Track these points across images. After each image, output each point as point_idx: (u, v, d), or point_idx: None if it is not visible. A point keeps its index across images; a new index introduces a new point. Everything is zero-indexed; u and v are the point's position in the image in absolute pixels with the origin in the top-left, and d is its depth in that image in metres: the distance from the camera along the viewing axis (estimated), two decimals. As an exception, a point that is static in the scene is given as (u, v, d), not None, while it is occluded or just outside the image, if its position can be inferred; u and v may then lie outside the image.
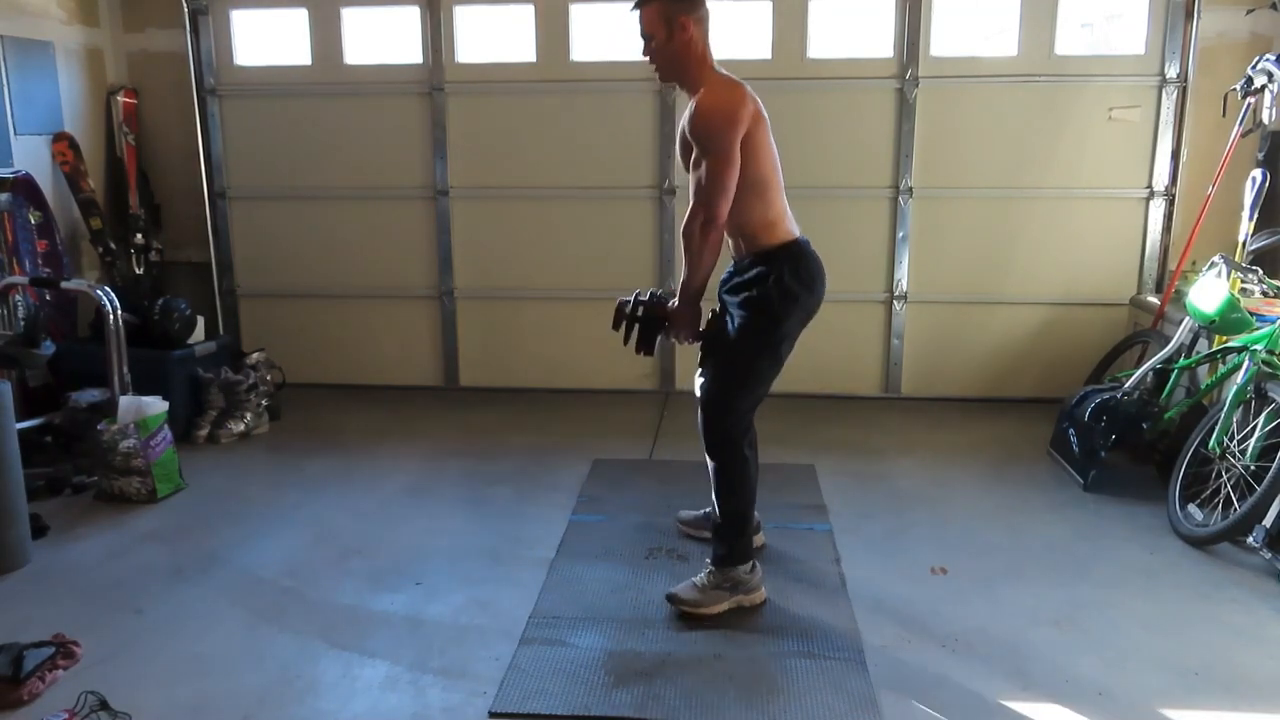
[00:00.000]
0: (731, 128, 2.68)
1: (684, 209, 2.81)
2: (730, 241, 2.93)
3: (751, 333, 2.84)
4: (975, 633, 2.84)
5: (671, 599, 2.93)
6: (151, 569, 3.27)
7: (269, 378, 4.86)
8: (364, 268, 5.40)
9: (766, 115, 2.81)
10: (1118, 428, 3.94)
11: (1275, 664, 2.68)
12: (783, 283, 2.80)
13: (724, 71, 2.83)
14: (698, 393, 2.99)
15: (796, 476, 4.06)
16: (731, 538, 2.96)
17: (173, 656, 2.72)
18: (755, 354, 2.87)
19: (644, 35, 2.81)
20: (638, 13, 2.80)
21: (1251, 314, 3.65)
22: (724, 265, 2.98)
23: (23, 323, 4.40)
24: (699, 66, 2.79)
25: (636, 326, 2.96)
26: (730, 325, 2.89)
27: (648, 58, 2.84)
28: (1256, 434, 3.39)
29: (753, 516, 3.04)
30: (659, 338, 2.99)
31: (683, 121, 2.82)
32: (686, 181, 2.86)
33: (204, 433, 4.57)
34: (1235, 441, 3.48)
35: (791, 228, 2.90)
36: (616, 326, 2.97)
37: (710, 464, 2.95)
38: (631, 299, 2.97)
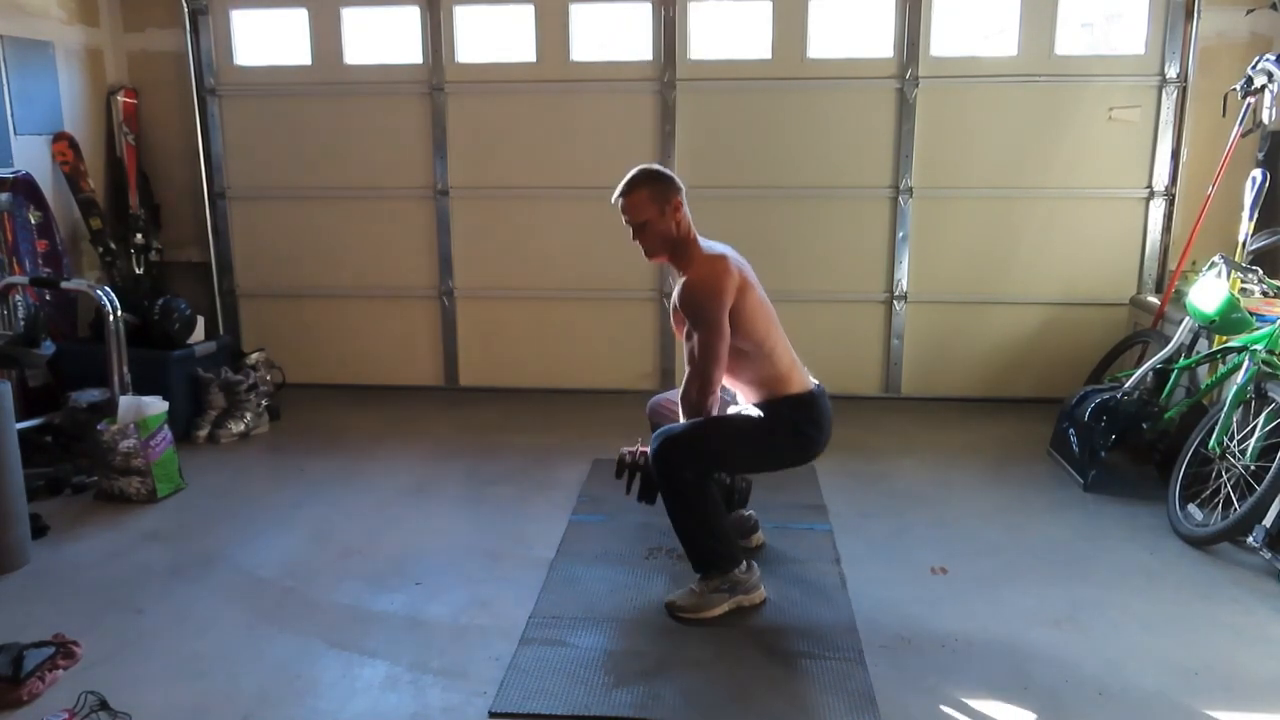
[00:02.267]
0: (718, 300, 2.81)
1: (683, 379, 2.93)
2: (742, 395, 3.07)
3: (751, 423, 2.95)
4: (975, 633, 2.84)
5: (671, 607, 2.93)
6: (151, 569, 3.27)
7: (269, 378, 4.87)
8: (364, 268, 5.40)
9: (754, 279, 2.95)
10: (1118, 428, 3.95)
11: (1275, 664, 2.68)
12: (798, 426, 2.96)
13: (707, 244, 2.96)
14: (680, 415, 2.99)
15: (796, 476, 4.04)
16: (703, 553, 2.94)
17: (172, 656, 2.72)
18: (747, 439, 2.95)
19: (634, 223, 2.91)
20: (623, 201, 2.90)
21: (1251, 314, 3.65)
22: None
23: (23, 323, 4.40)
24: (686, 243, 2.93)
25: (639, 476, 3.01)
26: (741, 410, 3.01)
27: (638, 240, 2.94)
28: (1256, 434, 3.39)
29: (721, 522, 2.97)
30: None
31: (673, 295, 2.95)
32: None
33: (204, 433, 4.57)
34: (1235, 441, 3.48)
35: (805, 379, 3.01)
36: (619, 476, 3.04)
37: (660, 484, 2.92)
38: (635, 449, 3.03)
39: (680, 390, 2.94)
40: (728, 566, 2.93)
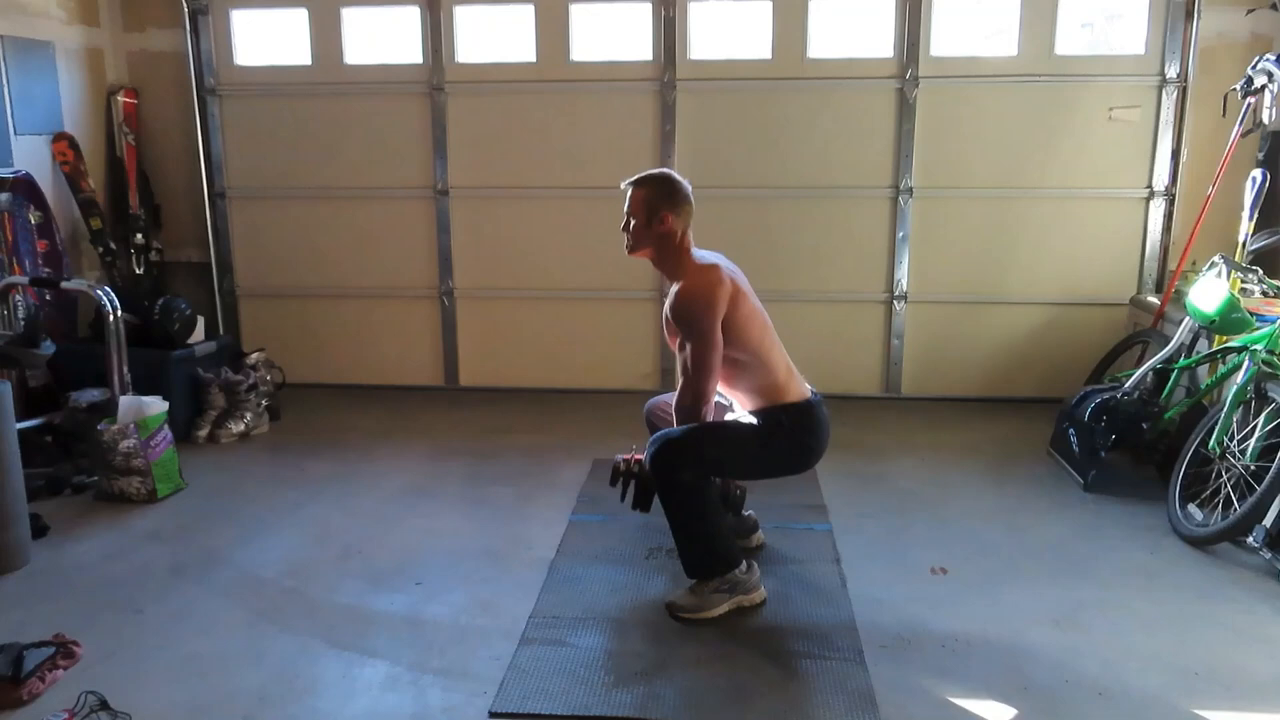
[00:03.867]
0: (710, 311, 2.81)
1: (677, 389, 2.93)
2: (739, 405, 3.06)
3: (749, 430, 2.96)
4: (975, 633, 2.84)
5: (671, 607, 2.93)
6: (151, 569, 3.27)
7: (269, 378, 4.86)
8: (364, 268, 5.40)
9: (748, 288, 2.95)
10: (1118, 428, 3.94)
11: (1275, 664, 2.68)
12: (795, 435, 2.97)
13: (702, 254, 2.96)
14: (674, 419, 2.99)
15: (796, 476, 4.04)
16: (698, 557, 2.94)
17: (172, 656, 2.72)
18: (745, 446, 2.96)
19: (627, 212, 2.94)
20: (629, 189, 2.94)
21: (1251, 314, 3.65)
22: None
23: (23, 323, 4.40)
24: (677, 255, 2.94)
25: (633, 484, 3.01)
26: (739, 418, 3.01)
27: (623, 229, 2.96)
28: (1256, 434, 3.39)
29: (719, 523, 2.98)
30: (655, 495, 2.99)
31: (666, 306, 2.96)
32: (678, 362, 2.97)
33: (204, 433, 4.57)
34: (1235, 441, 3.48)
35: (802, 388, 3.01)
36: (614, 484, 3.04)
37: (658, 486, 2.92)
38: (630, 457, 3.03)
39: (674, 402, 2.94)
40: (724, 569, 2.92)
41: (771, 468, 3.08)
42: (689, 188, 2.95)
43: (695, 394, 2.85)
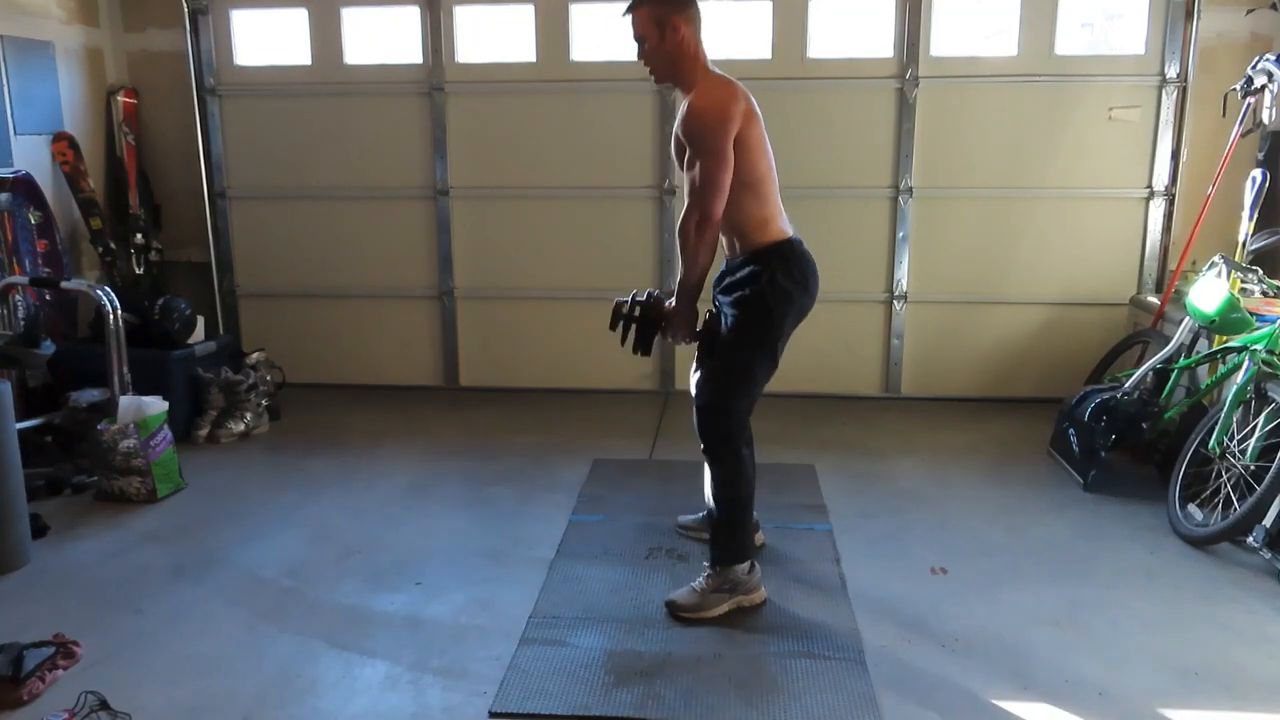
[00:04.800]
0: (724, 127, 2.70)
1: (683, 209, 2.82)
2: (724, 239, 2.94)
3: (746, 332, 2.86)
4: (975, 633, 2.84)
5: (671, 606, 2.93)
6: (151, 569, 3.27)
7: (269, 378, 4.86)
8: (364, 268, 5.40)
9: (760, 113, 2.83)
10: (1118, 428, 3.94)
11: (1275, 664, 2.68)
12: (776, 281, 2.82)
13: (717, 70, 2.85)
14: (693, 392, 2.99)
15: (796, 476, 4.06)
16: (729, 537, 2.96)
17: (172, 656, 2.72)
18: (751, 353, 2.88)
19: (636, 38, 2.83)
20: (629, 17, 2.82)
21: (1251, 314, 3.64)
22: (718, 264, 2.98)
23: (23, 323, 4.40)
24: (692, 66, 2.82)
25: (634, 327, 2.95)
26: (725, 324, 2.90)
27: (641, 60, 2.86)
28: (1256, 434, 3.39)
29: (750, 515, 3.03)
30: (656, 338, 2.98)
31: (676, 121, 2.84)
32: (685, 182, 2.86)
33: (204, 433, 4.57)
34: (1235, 441, 3.48)
35: (785, 226, 2.91)
36: (614, 327, 2.97)
37: (707, 463, 2.95)
38: (629, 299, 2.97)
39: (678, 224, 2.81)
40: (740, 557, 2.94)
41: (781, 330, 2.89)
42: None
43: (703, 213, 2.72)
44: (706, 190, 2.71)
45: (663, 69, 2.84)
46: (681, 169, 2.85)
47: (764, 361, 2.91)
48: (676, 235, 2.84)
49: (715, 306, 2.99)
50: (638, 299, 2.96)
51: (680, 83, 2.86)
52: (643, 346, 2.97)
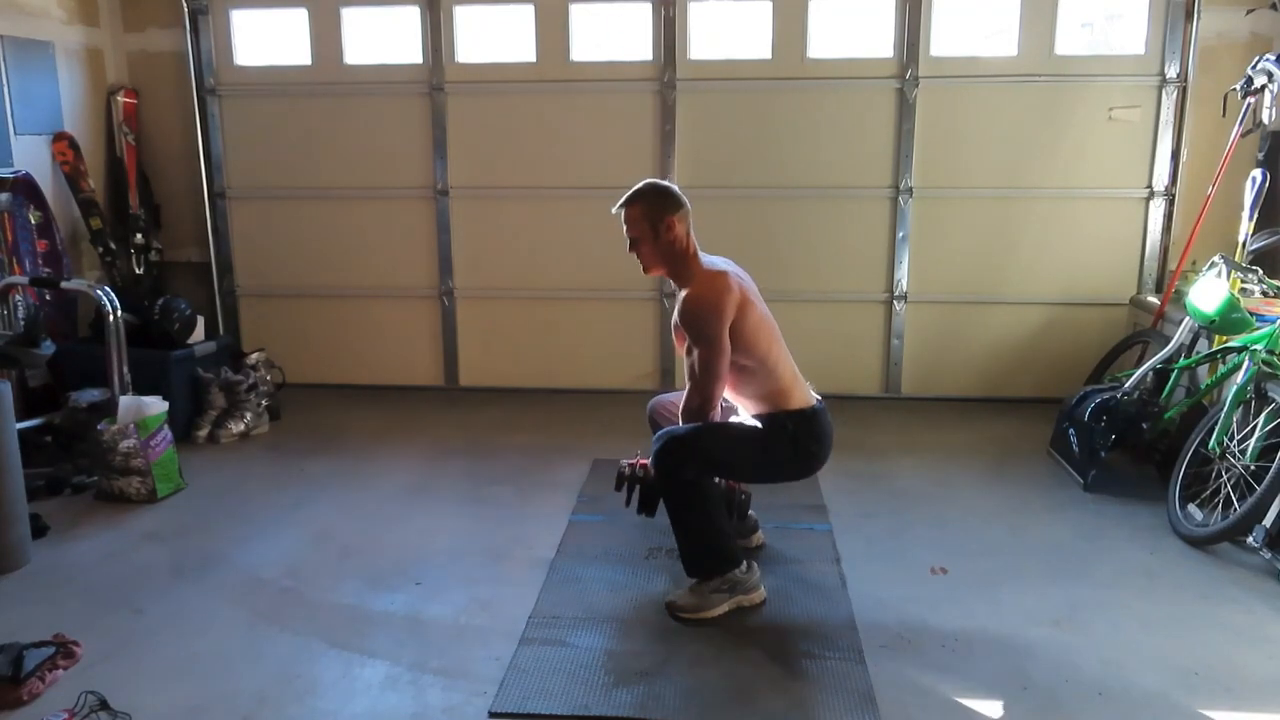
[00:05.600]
0: (718, 318, 2.81)
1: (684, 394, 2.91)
2: (744, 409, 3.05)
3: (754, 432, 2.95)
4: (975, 633, 2.84)
5: (671, 607, 2.93)
6: (151, 569, 3.27)
7: (269, 378, 4.87)
8: (364, 268, 5.40)
9: (756, 294, 2.95)
10: (1118, 428, 3.95)
11: (1275, 664, 2.68)
12: (798, 442, 2.95)
13: (708, 260, 2.95)
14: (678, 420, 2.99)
15: (796, 476, 4.06)
16: (698, 555, 2.94)
17: (172, 656, 2.72)
18: (748, 448, 2.95)
19: (629, 236, 2.93)
20: (622, 213, 2.93)
21: (1251, 314, 3.65)
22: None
23: (23, 323, 4.40)
24: (684, 260, 2.93)
25: (638, 488, 3.00)
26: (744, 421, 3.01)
27: (632, 252, 2.96)
28: (1256, 434, 3.39)
29: (721, 522, 2.98)
30: (660, 500, 3.00)
31: (674, 312, 2.95)
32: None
33: (204, 433, 4.57)
34: (1235, 441, 3.48)
35: (807, 395, 3.01)
36: (619, 488, 3.03)
37: (660, 483, 2.92)
38: (635, 462, 3.03)
39: (681, 404, 2.94)
40: (725, 568, 2.93)
41: (773, 473, 3.07)
42: (679, 189, 2.96)
43: (703, 399, 2.86)
44: (705, 376, 2.84)
45: (654, 262, 2.95)
46: (682, 354, 2.96)
47: (751, 467, 3.00)
48: (679, 414, 2.95)
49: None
50: (642, 461, 3.01)
51: (674, 276, 2.97)
52: (647, 508, 3.01)
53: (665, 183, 2.97)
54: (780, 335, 3.00)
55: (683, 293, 2.91)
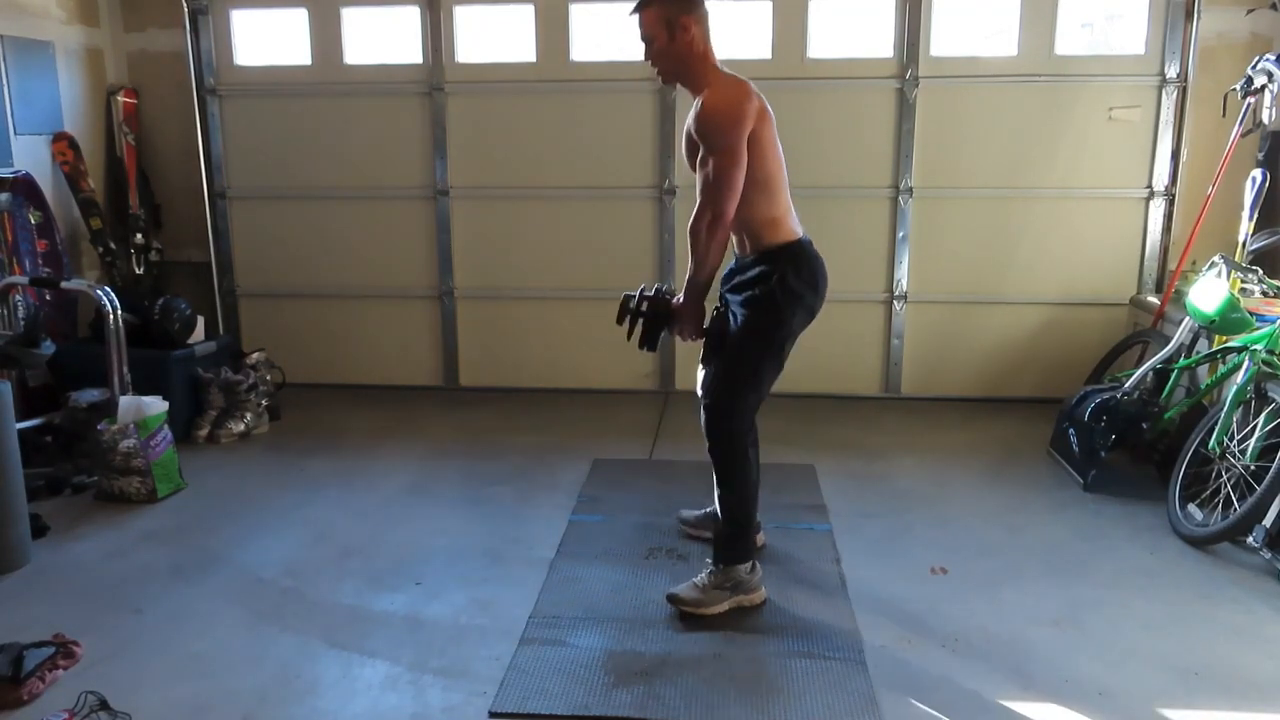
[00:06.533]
0: (737, 126, 2.69)
1: (684, 209, 2.82)
2: (734, 238, 2.94)
3: (755, 331, 2.86)
4: (975, 633, 2.84)
5: (672, 599, 2.93)
6: (151, 569, 3.27)
7: (269, 378, 4.86)
8: (364, 268, 5.40)
9: (772, 113, 2.83)
10: (1118, 428, 3.95)
11: (1275, 664, 2.68)
12: (786, 282, 2.82)
13: (727, 70, 2.84)
14: (699, 391, 2.99)
15: (796, 476, 4.06)
16: (733, 536, 2.96)
17: (172, 656, 2.72)
18: (759, 353, 2.88)
19: (644, 39, 2.82)
20: (637, 16, 2.81)
21: (1251, 314, 3.65)
22: (726, 261, 2.98)
23: (23, 323, 4.40)
24: (702, 66, 2.81)
25: (641, 322, 2.94)
26: (733, 323, 2.90)
27: (649, 60, 2.86)
28: (1256, 434, 3.39)
29: (754, 515, 3.04)
30: (662, 334, 2.98)
31: (688, 120, 2.82)
32: (688, 181, 2.85)
33: (204, 433, 4.57)
34: (1235, 441, 3.48)
35: (795, 227, 2.91)
36: (621, 321, 2.96)
37: (713, 462, 2.95)
38: (636, 294, 2.96)
39: (690, 222, 2.79)
40: (744, 557, 2.94)
41: (789, 332, 2.90)
42: None
43: (715, 212, 2.72)
44: (720, 188, 2.70)
45: (671, 69, 2.84)
46: (693, 168, 2.84)
47: (771, 361, 2.91)
48: (688, 233, 2.82)
49: (723, 305, 2.99)
50: (646, 294, 2.95)
51: (690, 83, 2.85)
52: (649, 342, 2.96)
53: None
54: (784, 165, 2.89)
55: (699, 99, 2.77)
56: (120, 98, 5.29)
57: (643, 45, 2.83)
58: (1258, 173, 4.01)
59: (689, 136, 2.82)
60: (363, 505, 3.84)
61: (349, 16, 5.15)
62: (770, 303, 2.82)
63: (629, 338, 2.95)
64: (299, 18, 5.18)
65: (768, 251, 2.85)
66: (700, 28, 2.78)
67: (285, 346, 5.31)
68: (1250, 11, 4.65)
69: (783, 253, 2.85)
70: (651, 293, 2.96)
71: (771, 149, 2.81)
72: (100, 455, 3.82)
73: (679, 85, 2.91)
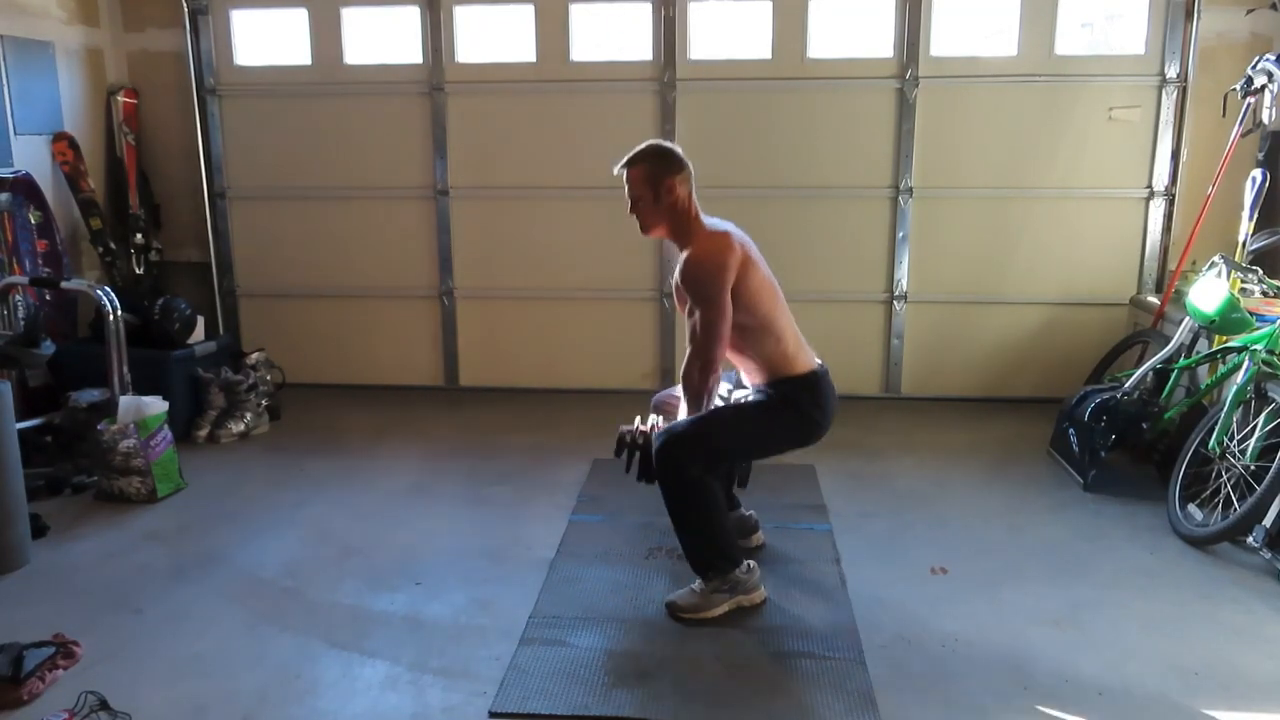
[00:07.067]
0: (719, 277, 2.80)
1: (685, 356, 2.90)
2: (747, 373, 3.04)
3: (754, 410, 2.95)
4: (975, 633, 2.84)
5: (671, 607, 2.93)
6: (151, 569, 3.27)
7: (269, 378, 4.87)
8: (364, 268, 5.40)
9: (758, 257, 2.94)
10: (1118, 428, 3.95)
11: (1275, 664, 2.68)
12: (800, 407, 2.94)
13: (710, 221, 2.94)
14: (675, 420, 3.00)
15: (796, 476, 4.06)
16: (704, 554, 2.93)
17: (172, 656, 2.72)
18: (751, 427, 2.94)
19: (631, 197, 2.92)
20: (624, 173, 2.91)
21: (1251, 314, 3.65)
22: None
23: (23, 323, 4.40)
24: (686, 221, 2.92)
25: (638, 455, 2.99)
26: (744, 395, 3.00)
27: (632, 214, 2.94)
28: (1256, 434, 3.39)
29: (723, 522, 2.96)
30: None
31: (675, 273, 2.93)
32: (687, 328, 2.91)
33: (204, 433, 4.57)
34: (1235, 441, 3.48)
35: (809, 358, 2.99)
36: (619, 455, 3.01)
37: (664, 501, 2.90)
38: (633, 428, 3.01)
39: (682, 369, 2.90)
40: (728, 568, 2.92)
41: (778, 443, 3.04)
42: (681, 151, 2.93)
43: (704, 361, 2.82)
44: (707, 339, 2.81)
45: (653, 222, 2.93)
46: (685, 316, 2.93)
47: (751, 442, 3.00)
48: (680, 377, 2.92)
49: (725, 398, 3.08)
50: (641, 429, 3.00)
51: (675, 237, 2.95)
52: (646, 475, 2.99)
53: (668, 144, 2.95)
54: (784, 300, 2.97)
55: (684, 253, 2.88)
56: (120, 98, 5.29)
57: (628, 201, 2.92)
58: (1258, 173, 4.01)
59: (676, 287, 2.94)
60: (363, 505, 3.84)
61: (349, 16, 5.15)
62: (782, 401, 2.93)
63: (627, 470, 3.00)
64: (299, 18, 5.18)
65: (784, 379, 2.94)
66: (685, 187, 2.89)
67: (285, 346, 5.31)
68: (1250, 11, 4.65)
69: (799, 382, 2.94)
70: (647, 427, 3.00)
71: (763, 291, 2.89)
72: (100, 455, 3.82)
73: (664, 232, 2.98)
